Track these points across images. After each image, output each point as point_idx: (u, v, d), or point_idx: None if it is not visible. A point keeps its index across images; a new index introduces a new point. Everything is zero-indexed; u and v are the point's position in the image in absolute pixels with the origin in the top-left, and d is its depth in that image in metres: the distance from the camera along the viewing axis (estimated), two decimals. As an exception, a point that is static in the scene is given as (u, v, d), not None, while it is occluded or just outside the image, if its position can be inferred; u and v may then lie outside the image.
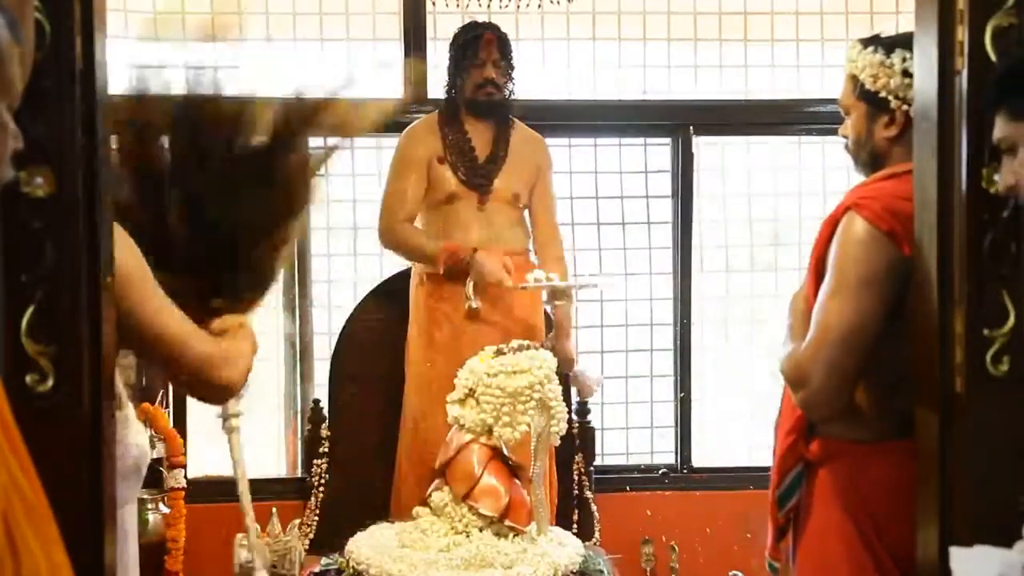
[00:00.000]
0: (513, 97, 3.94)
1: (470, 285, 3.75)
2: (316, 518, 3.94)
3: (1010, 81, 1.73)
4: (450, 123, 3.90)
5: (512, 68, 3.91)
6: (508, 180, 3.89)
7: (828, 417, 2.24)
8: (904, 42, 2.21)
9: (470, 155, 3.87)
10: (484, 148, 3.89)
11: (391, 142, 4.03)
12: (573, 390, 3.99)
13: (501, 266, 3.73)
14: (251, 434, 4.63)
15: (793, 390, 2.23)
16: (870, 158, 2.34)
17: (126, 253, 1.82)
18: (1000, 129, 1.70)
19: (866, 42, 2.34)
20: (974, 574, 1.63)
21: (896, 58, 2.26)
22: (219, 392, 2.13)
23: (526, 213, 4.00)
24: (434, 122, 3.93)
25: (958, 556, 1.68)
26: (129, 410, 3.10)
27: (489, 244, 3.83)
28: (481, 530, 3.22)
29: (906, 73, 2.22)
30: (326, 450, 3.94)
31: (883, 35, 2.36)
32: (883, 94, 2.29)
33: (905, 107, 2.24)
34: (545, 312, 3.99)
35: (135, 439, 2.18)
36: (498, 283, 3.72)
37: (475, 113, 3.88)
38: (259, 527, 3.33)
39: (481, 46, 3.84)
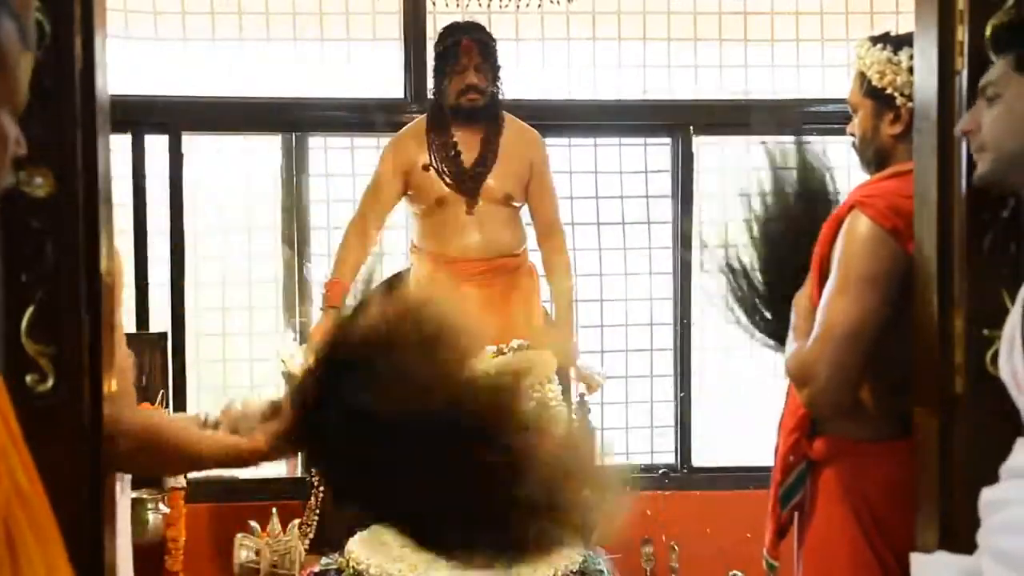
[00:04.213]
0: (501, 97, 3.91)
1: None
2: (316, 518, 3.93)
3: None
4: (436, 128, 3.87)
5: (497, 69, 3.87)
6: (499, 180, 3.86)
7: (833, 415, 2.24)
8: (913, 41, 2.21)
9: (456, 160, 3.83)
10: (472, 151, 3.84)
11: (391, 142, 4.02)
12: (573, 388, 3.98)
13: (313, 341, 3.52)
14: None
15: (798, 388, 2.24)
16: (876, 156, 2.34)
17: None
18: (994, 71, 1.68)
19: (875, 39, 2.34)
20: None
21: (903, 55, 2.26)
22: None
23: (524, 212, 3.99)
24: (421, 128, 3.90)
25: (918, 562, 1.68)
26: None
27: (481, 247, 3.81)
28: (481, 530, 3.21)
29: (913, 71, 2.22)
30: (326, 450, 3.92)
31: (892, 33, 2.36)
32: (889, 91, 2.29)
33: (910, 105, 2.23)
34: (544, 310, 3.99)
35: None
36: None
37: (459, 119, 3.85)
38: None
39: (461, 52, 3.79)
